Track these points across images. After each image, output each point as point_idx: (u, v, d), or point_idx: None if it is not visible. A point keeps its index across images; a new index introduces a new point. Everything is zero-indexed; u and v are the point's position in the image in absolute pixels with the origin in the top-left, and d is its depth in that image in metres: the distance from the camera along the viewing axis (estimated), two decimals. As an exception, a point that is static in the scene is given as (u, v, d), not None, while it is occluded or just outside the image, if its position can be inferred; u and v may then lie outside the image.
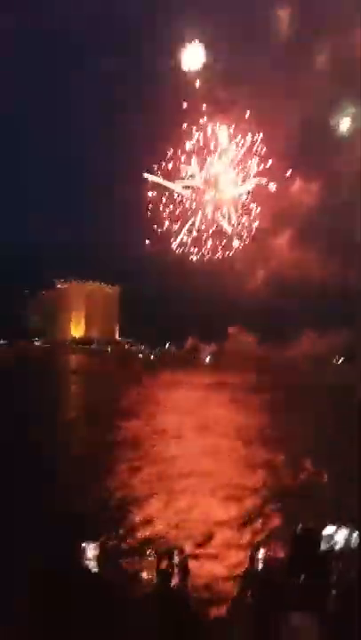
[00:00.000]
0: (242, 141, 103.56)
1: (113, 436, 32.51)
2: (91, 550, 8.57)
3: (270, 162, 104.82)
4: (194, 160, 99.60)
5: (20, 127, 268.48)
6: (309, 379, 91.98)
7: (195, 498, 20.38)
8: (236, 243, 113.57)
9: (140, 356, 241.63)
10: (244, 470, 25.57)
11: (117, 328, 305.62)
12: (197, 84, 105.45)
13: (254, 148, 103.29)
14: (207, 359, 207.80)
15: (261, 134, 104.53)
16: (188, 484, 22.16)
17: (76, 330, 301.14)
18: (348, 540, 9.61)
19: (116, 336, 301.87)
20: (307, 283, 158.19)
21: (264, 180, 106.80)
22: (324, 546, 9.61)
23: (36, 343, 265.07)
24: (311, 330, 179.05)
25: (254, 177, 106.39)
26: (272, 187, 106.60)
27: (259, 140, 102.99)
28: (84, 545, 8.63)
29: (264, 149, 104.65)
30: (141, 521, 17.71)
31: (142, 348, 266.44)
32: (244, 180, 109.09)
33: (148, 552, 9.23)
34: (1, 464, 22.24)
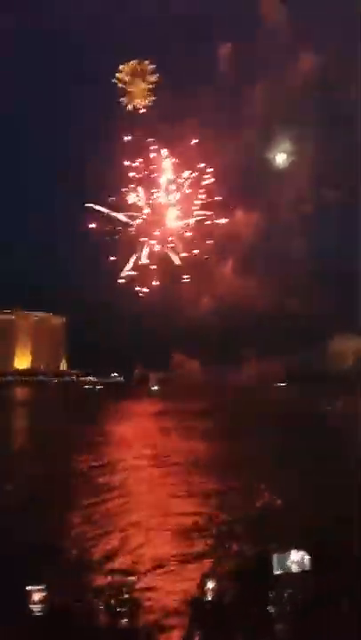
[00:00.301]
0: (186, 174, 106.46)
1: (62, 467, 31.49)
2: (36, 594, 8.23)
3: (213, 194, 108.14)
4: (140, 191, 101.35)
5: None
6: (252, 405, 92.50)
7: (144, 532, 19.96)
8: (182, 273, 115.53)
9: (87, 387, 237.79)
10: (195, 499, 25.34)
11: (64, 359, 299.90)
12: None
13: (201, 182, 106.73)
14: (154, 388, 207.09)
15: (205, 167, 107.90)
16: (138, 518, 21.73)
17: (21, 361, 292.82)
18: (299, 564, 9.72)
19: (63, 367, 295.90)
20: (247, 309, 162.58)
21: (209, 213, 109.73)
22: (277, 570, 9.67)
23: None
24: (253, 354, 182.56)
25: (199, 209, 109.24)
26: (217, 219, 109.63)
27: (199, 173, 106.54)
28: (29, 588, 8.25)
29: (207, 182, 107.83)
30: (86, 557, 17.14)
31: (89, 378, 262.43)
32: (188, 212, 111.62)
33: (97, 590, 8.95)
34: None
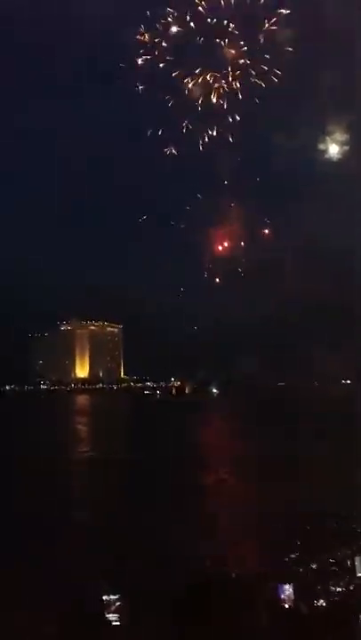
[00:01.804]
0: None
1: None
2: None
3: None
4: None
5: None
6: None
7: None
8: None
9: (146, 392, 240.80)
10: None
11: (122, 366, 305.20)
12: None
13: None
14: (214, 391, 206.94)
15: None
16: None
17: (81, 370, 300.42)
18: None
19: (121, 374, 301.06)
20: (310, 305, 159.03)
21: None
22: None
23: (42, 386, 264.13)
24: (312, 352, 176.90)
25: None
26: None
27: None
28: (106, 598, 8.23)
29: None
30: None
31: (148, 384, 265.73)
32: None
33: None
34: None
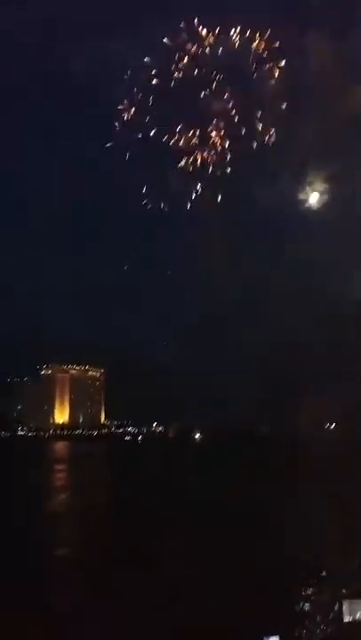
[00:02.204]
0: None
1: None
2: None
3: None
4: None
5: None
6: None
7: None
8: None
9: (127, 438, 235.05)
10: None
11: (103, 411, 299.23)
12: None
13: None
14: (197, 436, 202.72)
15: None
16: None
17: (61, 416, 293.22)
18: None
19: (102, 419, 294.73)
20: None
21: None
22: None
23: (20, 432, 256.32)
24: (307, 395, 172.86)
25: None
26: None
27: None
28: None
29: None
30: None
31: (130, 430, 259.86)
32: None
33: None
34: None
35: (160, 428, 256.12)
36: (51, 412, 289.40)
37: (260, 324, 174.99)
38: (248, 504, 37.77)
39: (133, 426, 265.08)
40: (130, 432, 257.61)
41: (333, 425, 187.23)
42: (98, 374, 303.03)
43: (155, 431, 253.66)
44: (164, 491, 46.06)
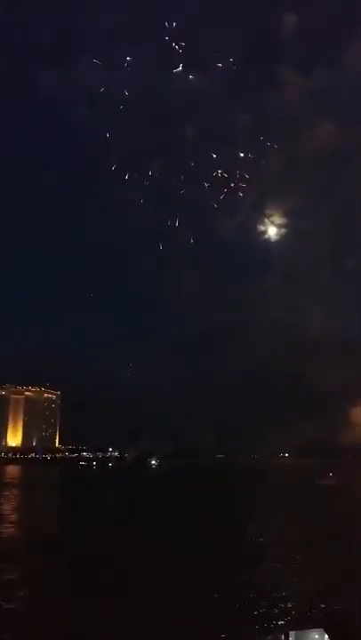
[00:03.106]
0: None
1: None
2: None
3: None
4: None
5: None
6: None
7: None
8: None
9: (82, 463, 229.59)
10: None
11: (57, 435, 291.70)
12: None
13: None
14: (153, 463, 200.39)
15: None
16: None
17: (13, 438, 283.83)
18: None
19: (57, 443, 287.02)
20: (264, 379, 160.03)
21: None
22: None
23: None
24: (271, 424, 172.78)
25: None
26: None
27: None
28: None
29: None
30: None
31: (85, 455, 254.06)
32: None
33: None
34: None
35: (115, 454, 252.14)
36: (3, 435, 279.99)
37: (221, 353, 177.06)
38: (201, 524, 37.50)
39: (88, 451, 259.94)
40: (85, 457, 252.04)
41: (287, 454, 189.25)
42: (54, 396, 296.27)
43: (110, 457, 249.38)
44: (115, 518, 45.04)
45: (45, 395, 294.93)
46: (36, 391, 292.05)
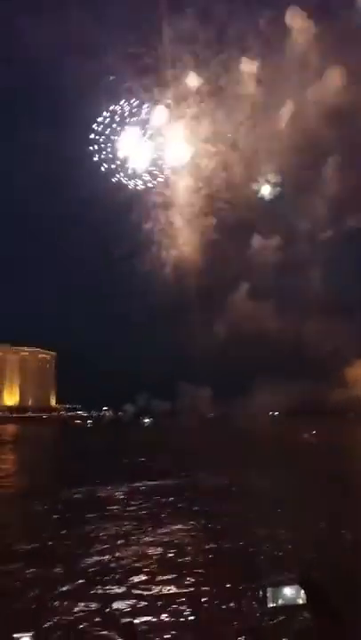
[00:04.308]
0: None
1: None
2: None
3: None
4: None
5: None
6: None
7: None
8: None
9: (78, 421, 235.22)
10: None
11: (54, 394, 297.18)
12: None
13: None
14: (145, 421, 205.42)
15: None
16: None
17: (10, 398, 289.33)
18: (294, 597, 9.77)
19: (53, 403, 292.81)
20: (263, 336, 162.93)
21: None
22: (271, 603, 9.72)
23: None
24: (266, 382, 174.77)
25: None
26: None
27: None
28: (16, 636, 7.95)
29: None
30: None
31: (80, 413, 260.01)
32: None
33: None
34: None
35: (110, 413, 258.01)
36: (0, 394, 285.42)
37: (221, 311, 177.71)
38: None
39: (83, 410, 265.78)
40: (80, 415, 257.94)
41: (277, 413, 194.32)
42: (49, 357, 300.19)
43: (104, 415, 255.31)
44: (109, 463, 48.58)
45: (40, 355, 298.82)
46: (32, 351, 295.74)
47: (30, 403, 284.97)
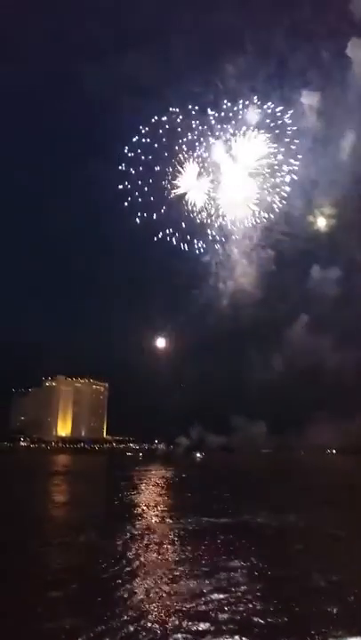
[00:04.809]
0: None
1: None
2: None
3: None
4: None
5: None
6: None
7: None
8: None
9: (129, 454, 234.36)
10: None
11: (105, 425, 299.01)
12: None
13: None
14: (197, 455, 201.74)
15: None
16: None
17: (63, 428, 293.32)
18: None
19: (104, 434, 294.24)
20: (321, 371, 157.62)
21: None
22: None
23: (22, 443, 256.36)
24: (323, 419, 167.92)
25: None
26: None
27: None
28: None
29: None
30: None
31: (131, 446, 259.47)
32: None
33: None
34: None
35: (160, 446, 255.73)
36: (53, 425, 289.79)
37: (279, 344, 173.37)
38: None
39: (135, 442, 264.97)
40: (131, 448, 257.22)
41: (334, 451, 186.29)
42: (102, 388, 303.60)
43: (156, 448, 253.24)
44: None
45: (94, 386, 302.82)
46: (85, 383, 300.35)
47: (83, 434, 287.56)
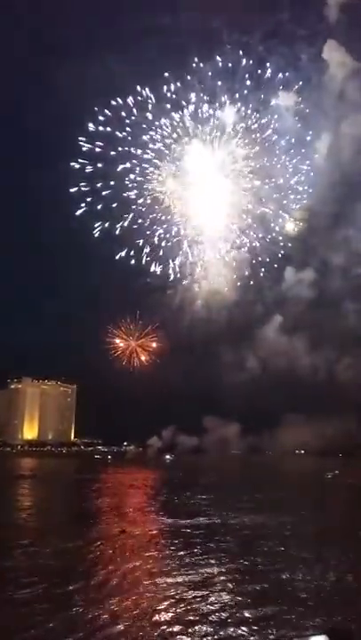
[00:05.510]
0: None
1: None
2: None
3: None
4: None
5: None
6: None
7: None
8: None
9: (97, 456, 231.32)
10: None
11: (73, 428, 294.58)
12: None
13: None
14: (167, 457, 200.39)
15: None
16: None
17: (29, 431, 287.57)
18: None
19: (72, 436, 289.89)
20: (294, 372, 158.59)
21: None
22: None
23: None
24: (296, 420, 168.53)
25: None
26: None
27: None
28: None
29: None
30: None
31: (100, 448, 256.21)
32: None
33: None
34: None
35: (130, 448, 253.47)
36: (19, 427, 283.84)
37: (253, 345, 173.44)
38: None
39: (103, 445, 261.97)
40: (100, 450, 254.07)
41: (303, 451, 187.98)
42: (70, 390, 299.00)
43: (126, 451, 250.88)
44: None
45: (61, 388, 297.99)
46: (52, 384, 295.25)
47: (50, 436, 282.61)
